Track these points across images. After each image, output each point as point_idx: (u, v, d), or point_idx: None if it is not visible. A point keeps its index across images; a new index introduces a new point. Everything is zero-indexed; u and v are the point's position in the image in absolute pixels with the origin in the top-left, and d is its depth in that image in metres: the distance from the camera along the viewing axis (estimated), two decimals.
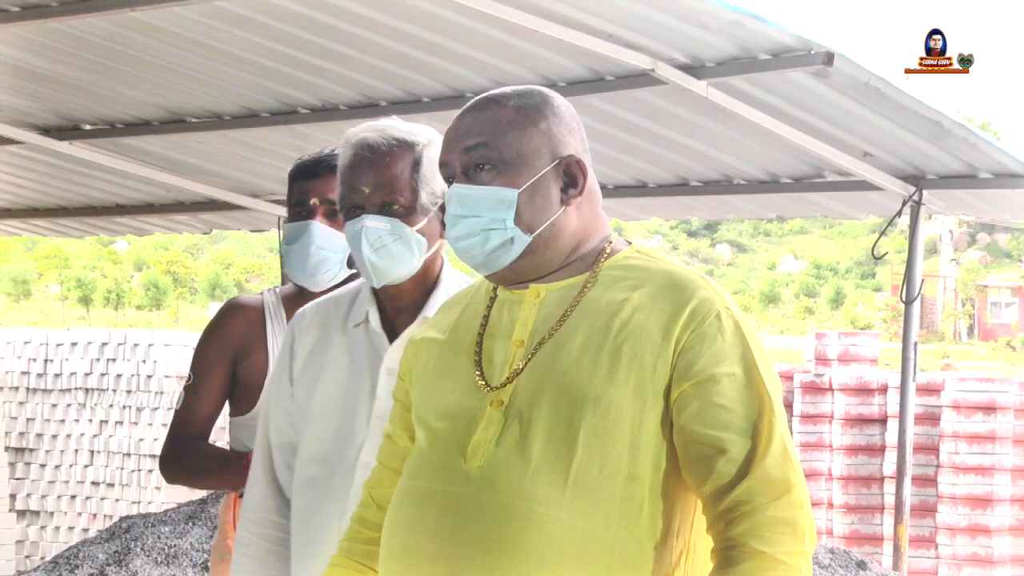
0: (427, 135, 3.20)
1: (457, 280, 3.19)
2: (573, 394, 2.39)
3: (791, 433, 9.32)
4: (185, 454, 3.88)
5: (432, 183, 3.12)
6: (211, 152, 9.88)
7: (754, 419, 2.38)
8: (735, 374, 2.40)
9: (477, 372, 2.49)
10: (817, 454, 12.96)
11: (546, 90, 2.61)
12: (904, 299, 8.94)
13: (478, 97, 2.61)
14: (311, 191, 3.74)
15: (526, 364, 2.45)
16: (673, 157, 8.87)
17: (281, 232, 3.92)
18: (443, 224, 2.93)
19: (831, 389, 13.00)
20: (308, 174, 3.76)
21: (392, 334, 3.16)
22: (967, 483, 12.35)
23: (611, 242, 2.56)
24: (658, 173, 9.21)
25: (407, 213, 3.11)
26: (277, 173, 10.34)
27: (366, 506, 2.71)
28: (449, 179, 2.56)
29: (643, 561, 2.38)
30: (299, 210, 3.76)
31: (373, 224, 3.08)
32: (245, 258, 47.19)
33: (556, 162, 2.52)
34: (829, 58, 6.87)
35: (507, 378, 2.46)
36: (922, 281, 8.96)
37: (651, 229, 55.99)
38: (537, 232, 2.50)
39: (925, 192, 8.69)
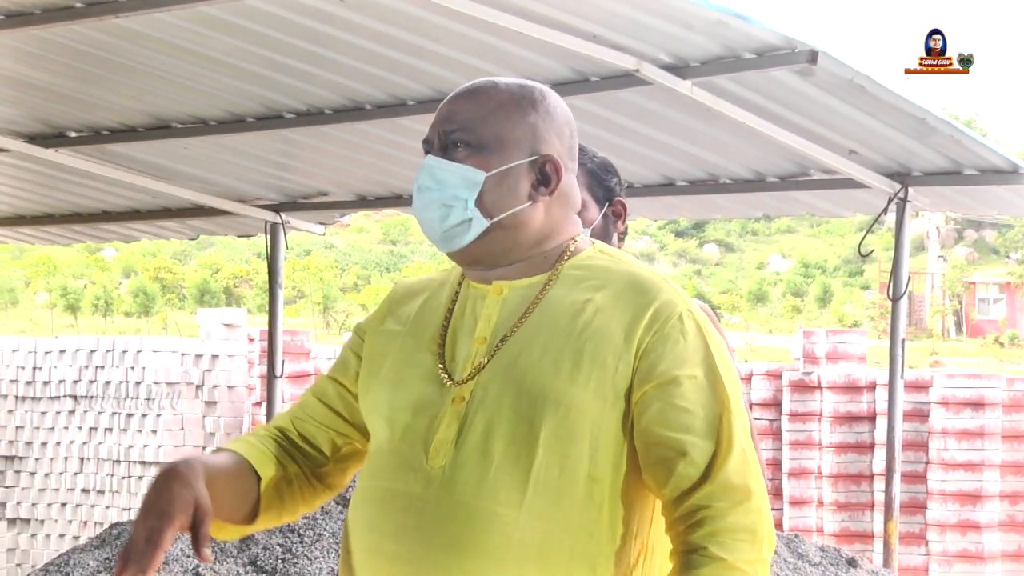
0: None
1: None
2: (534, 394, 2.39)
3: (781, 432, 9.23)
4: None
5: None
6: (197, 158, 9.87)
7: (715, 422, 2.39)
8: (697, 376, 2.40)
9: (440, 366, 2.49)
10: (806, 452, 12.97)
11: (548, 90, 2.62)
12: (891, 296, 8.96)
13: (476, 81, 2.62)
14: None
15: (488, 361, 2.45)
16: (659, 157, 8.88)
17: None
18: None
19: (820, 387, 13.01)
20: None
21: None
22: (956, 479, 12.36)
23: (575, 241, 2.57)
24: (644, 173, 9.21)
25: None
26: (263, 178, 10.34)
27: (285, 428, 2.68)
28: (428, 153, 2.56)
29: (602, 562, 2.39)
30: None
31: None
32: (233, 263, 47.08)
33: (534, 158, 2.53)
34: (813, 56, 6.88)
35: (469, 375, 2.45)
36: (909, 278, 8.98)
37: (639, 230, 56.01)
38: (497, 219, 2.50)
39: (911, 189, 8.71)
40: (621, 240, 3.82)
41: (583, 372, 2.39)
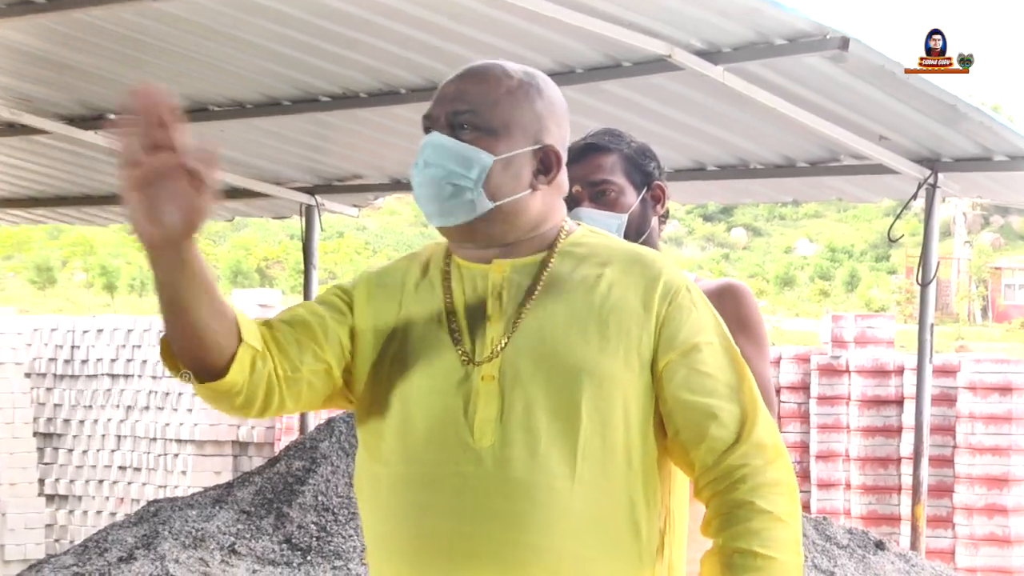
0: None
1: None
2: (569, 366, 2.42)
3: (809, 415, 9.27)
4: None
5: None
6: (234, 140, 9.89)
7: (736, 384, 2.47)
8: (713, 343, 2.48)
9: (458, 346, 2.48)
10: (834, 435, 12.93)
11: (548, 79, 2.63)
12: (920, 281, 8.93)
13: (483, 62, 2.61)
14: (572, 181, 3.70)
15: (509, 338, 2.46)
16: (690, 142, 8.87)
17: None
18: None
19: (848, 371, 12.96)
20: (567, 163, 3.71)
21: None
22: (983, 463, 12.30)
23: (566, 222, 2.61)
24: (675, 158, 9.20)
25: None
26: (299, 161, 10.36)
27: (274, 326, 2.54)
28: (429, 129, 2.55)
29: (644, 527, 2.45)
30: (568, 203, 3.73)
31: None
32: (266, 245, 47.12)
33: (537, 146, 2.54)
34: (844, 43, 6.87)
35: (492, 353, 2.45)
36: (938, 264, 8.94)
37: None
38: (499, 203, 2.50)
39: (940, 175, 8.68)
40: (662, 223, 3.80)
41: (611, 342, 2.43)
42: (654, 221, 3.76)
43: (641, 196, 3.72)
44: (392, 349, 2.53)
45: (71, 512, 14.98)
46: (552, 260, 2.53)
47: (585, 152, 3.66)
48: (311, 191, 10.94)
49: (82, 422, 15.00)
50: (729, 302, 3.48)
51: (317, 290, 11.27)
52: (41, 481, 14.86)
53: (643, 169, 3.74)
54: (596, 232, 2.62)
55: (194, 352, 2.39)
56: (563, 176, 2.60)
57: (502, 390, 2.43)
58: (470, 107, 2.52)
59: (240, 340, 2.41)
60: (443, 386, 2.46)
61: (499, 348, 2.45)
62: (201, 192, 2.23)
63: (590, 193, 3.65)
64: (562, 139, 2.60)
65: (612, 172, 3.68)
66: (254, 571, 7.55)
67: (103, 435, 14.84)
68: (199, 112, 9.29)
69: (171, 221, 2.23)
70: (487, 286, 2.52)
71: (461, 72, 2.59)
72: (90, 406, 14.98)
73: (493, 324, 2.48)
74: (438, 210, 2.51)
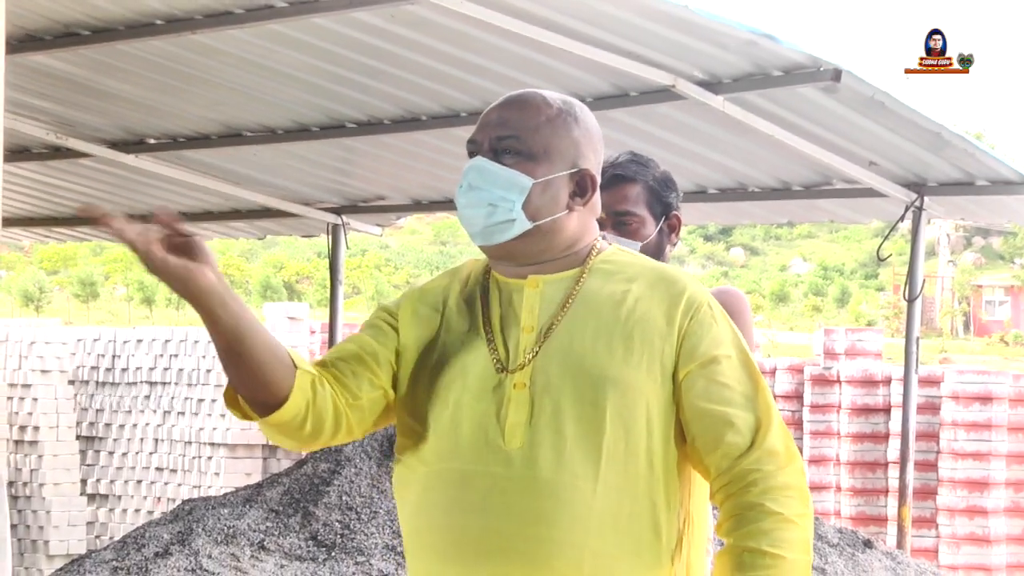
0: None
1: None
2: (595, 376, 2.43)
3: (802, 422, 9.23)
4: None
5: None
6: (265, 164, 9.90)
7: (751, 395, 2.47)
8: (731, 356, 2.48)
9: (494, 354, 2.50)
10: (826, 441, 12.90)
11: (585, 107, 2.64)
12: (907, 298, 8.91)
13: (524, 91, 2.62)
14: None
15: (540, 349, 2.47)
16: (692, 167, 8.86)
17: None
18: None
19: (839, 381, 12.93)
20: None
21: None
22: (965, 468, 12.27)
23: (598, 240, 2.61)
24: (678, 182, 9.05)
25: None
26: (326, 183, 10.37)
27: (324, 361, 2.59)
28: (473, 154, 2.56)
29: (664, 528, 2.45)
30: None
31: None
32: (295, 262, 47.15)
33: (574, 170, 2.55)
34: (837, 75, 6.88)
35: (524, 362, 2.47)
36: (923, 281, 8.92)
37: None
38: (538, 223, 2.51)
39: (926, 198, 8.67)
40: (672, 247, 3.77)
41: (635, 354, 2.44)
42: (667, 249, 3.74)
43: (659, 227, 3.70)
44: (433, 359, 2.55)
45: (111, 510, 14.96)
46: (584, 276, 2.54)
47: (613, 181, 3.63)
48: (338, 211, 10.94)
49: (122, 426, 14.98)
50: (719, 298, 3.48)
51: (342, 304, 11.27)
52: (83, 481, 14.85)
53: (663, 200, 3.73)
54: (625, 251, 2.62)
55: (256, 388, 2.44)
56: (597, 198, 2.60)
57: (532, 396, 2.44)
58: (512, 133, 2.53)
59: (296, 369, 2.45)
60: (478, 392, 2.48)
61: (531, 357, 2.47)
62: (183, 235, 2.34)
63: (613, 221, 3.63)
64: (597, 164, 2.60)
65: (636, 203, 3.66)
66: (282, 566, 7.54)
67: (141, 438, 14.82)
68: (233, 137, 9.31)
69: (186, 259, 2.32)
70: (522, 300, 2.53)
71: (503, 100, 2.60)
72: (129, 411, 14.96)
73: (526, 335, 2.49)
74: (481, 230, 2.53)
